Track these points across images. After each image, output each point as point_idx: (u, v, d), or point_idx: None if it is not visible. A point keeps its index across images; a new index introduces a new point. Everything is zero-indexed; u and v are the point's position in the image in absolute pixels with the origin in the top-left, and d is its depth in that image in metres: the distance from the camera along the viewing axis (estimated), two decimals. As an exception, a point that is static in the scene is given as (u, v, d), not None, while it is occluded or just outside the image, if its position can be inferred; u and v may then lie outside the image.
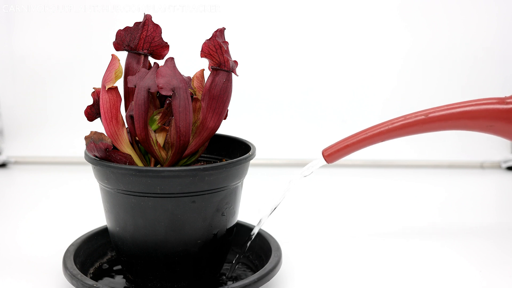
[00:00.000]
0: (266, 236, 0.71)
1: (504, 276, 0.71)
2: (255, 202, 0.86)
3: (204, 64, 0.62)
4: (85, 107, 0.63)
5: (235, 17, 1.23)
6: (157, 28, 0.62)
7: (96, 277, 0.68)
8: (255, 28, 1.24)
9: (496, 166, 1.20)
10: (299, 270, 0.72)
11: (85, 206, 0.94)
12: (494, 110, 0.66)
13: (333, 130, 1.21)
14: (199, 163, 0.67)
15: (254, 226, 0.73)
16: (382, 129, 0.67)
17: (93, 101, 0.63)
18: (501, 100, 0.67)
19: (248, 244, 0.69)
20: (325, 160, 0.69)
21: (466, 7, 1.22)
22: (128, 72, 0.63)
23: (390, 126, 0.66)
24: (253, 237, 0.68)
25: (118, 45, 0.63)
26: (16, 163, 1.19)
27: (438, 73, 1.25)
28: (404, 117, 0.67)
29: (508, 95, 0.68)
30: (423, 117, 0.66)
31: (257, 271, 0.65)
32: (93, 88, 0.64)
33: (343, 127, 1.23)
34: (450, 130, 0.68)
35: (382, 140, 0.67)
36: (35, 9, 1.21)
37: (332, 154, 0.68)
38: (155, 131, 0.61)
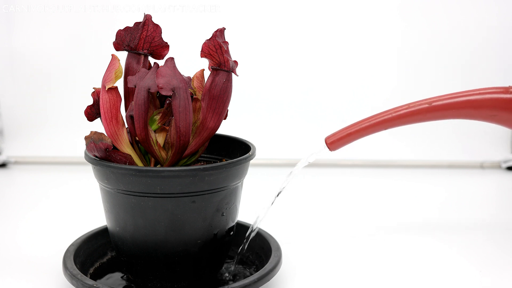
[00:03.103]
0: (266, 236, 0.71)
1: (504, 276, 0.71)
2: (255, 202, 0.85)
3: (204, 64, 0.62)
4: (85, 107, 0.63)
5: (235, 17, 1.23)
6: (157, 28, 0.62)
7: (96, 277, 0.68)
8: (255, 28, 1.24)
9: (496, 166, 1.20)
10: (299, 270, 0.72)
11: (85, 206, 0.94)
12: (498, 99, 0.66)
13: (333, 130, 1.21)
14: (199, 163, 0.67)
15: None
16: (385, 117, 0.67)
17: (93, 101, 0.63)
18: (505, 90, 0.66)
19: (251, 233, 0.68)
20: (328, 147, 0.68)
21: (464, 2, 1.22)
22: (128, 72, 0.63)
23: (393, 114, 0.66)
24: (256, 227, 0.68)
25: (118, 45, 0.63)
26: (16, 163, 1.19)
27: (438, 71, 1.25)
28: (408, 105, 0.67)
29: None
30: (426, 105, 0.66)
31: (257, 271, 0.65)
32: (93, 88, 0.64)
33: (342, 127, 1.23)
34: (453, 119, 0.68)
35: (385, 128, 0.67)
36: (35, 9, 1.21)
37: (335, 141, 0.68)
38: (155, 131, 0.61)
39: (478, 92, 0.67)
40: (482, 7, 1.22)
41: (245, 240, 0.69)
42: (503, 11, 1.22)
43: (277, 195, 0.69)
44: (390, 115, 0.66)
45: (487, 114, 0.67)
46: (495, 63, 1.24)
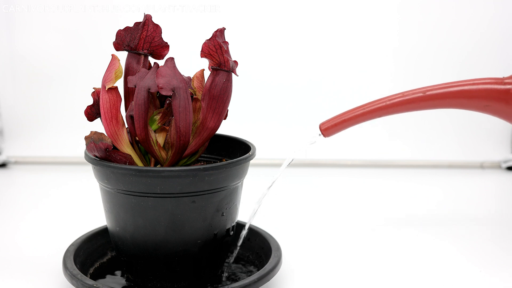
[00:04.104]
0: (266, 236, 0.71)
1: (504, 275, 0.71)
2: (255, 202, 0.86)
3: (204, 64, 0.62)
4: (85, 107, 0.63)
5: (235, 17, 1.23)
6: (157, 28, 0.62)
7: (96, 277, 0.68)
8: (255, 28, 1.24)
9: (496, 166, 1.20)
10: (299, 270, 0.72)
11: (85, 206, 0.94)
12: (491, 90, 0.67)
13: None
14: (199, 163, 0.67)
15: (255, 226, 0.73)
16: (380, 104, 0.67)
17: (93, 101, 0.63)
18: (499, 81, 0.67)
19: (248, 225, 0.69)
20: (322, 134, 0.69)
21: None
22: (128, 72, 0.63)
23: (388, 102, 0.67)
24: (252, 220, 0.68)
25: (118, 45, 0.63)
26: (16, 163, 1.19)
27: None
28: (402, 93, 0.67)
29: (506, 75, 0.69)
30: (421, 94, 0.67)
31: (257, 271, 0.65)
32: (93, 88, 0.64)
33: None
34: (447, 108, 0.69)
35: (380, 116, 0.68)
36: (35, 9, 1.21)
37: (330, 128, 0.69)
38: (155, 131, 0.61)
39: (472, 82, 0.67)
40: (479, 3, 1.22)
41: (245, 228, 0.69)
42: (501, 7, 1.22)
43: (270, 185, 0.69)
44: (385, 103, 0.67)
45: (481, 105, 0.67)
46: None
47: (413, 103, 0.67)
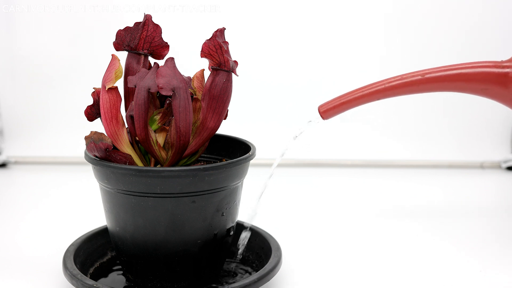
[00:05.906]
0: (266, 236, 0.71)
1: (504, 276, 0.71)
2: (255, 202, 0.86)
3: (204, 64, 0.62)
4: (85, 107, 0.63)
5: (235, 17, 1.23)
6: (157, 28, 0.62)
7: (96, 277, 0.68)
8: (255, 28, 1.24)
9: (496, 166, 1.20)
10: (299, 270, 0.72)
11: (85, 206, 0.94)
12: (489, 73, 0.67)
13: (333, 130, 1.21)
14: (199, 163, 0.67)
15: (255, 226, 0.73)
16: (378, 87, 0.67)
17: (93, 101, 0.63)
18: (497, 64, 0.67)
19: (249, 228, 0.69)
20: (321, 116, 0.69)
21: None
22: (128, 72, 0.63)
23: (386, 85, 0.67)
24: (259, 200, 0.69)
25: (118, 45, 0.63)
26: (16, 163, 1.19)
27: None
28: (401, 76, 0.67)
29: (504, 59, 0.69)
30: (419, 77, 0.67)
31: (257, 271, 0.65)
32: (93, 88, 0.64)
33: (342, 127, 1.23)
34: (445, 91, 0.68)
35: (378, 99, 0.68)
36: (35, 9, 1.21)
37: (328, 110, 0.69)
38: (155, 131, 0.61)
39: (470, 65, 0.67)
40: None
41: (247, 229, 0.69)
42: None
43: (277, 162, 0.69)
44: (383, 86, 0.67)
45: (479, 88, 0.67)
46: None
47: (411, 85, 0.67)
